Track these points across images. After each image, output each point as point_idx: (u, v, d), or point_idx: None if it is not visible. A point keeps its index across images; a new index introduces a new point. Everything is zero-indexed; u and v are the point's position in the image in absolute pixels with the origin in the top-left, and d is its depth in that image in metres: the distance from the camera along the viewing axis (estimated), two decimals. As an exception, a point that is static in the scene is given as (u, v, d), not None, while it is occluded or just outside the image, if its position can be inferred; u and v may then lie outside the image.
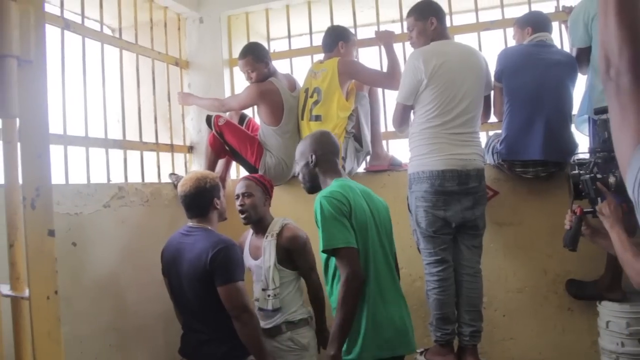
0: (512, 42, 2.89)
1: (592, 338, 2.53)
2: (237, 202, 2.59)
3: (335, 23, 3.18)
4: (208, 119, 3.04)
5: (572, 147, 2.59)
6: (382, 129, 3.10)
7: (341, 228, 1.89)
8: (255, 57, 2.99)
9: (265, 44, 3.32)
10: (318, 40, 3.17)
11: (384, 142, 3.11)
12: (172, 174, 3.16)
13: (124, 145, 2.92)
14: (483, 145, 2.65)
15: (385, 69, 2.95)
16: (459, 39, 2.97)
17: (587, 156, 2.14)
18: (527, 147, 2.56)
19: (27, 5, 0.81)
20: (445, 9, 2.79)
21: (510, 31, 2.87)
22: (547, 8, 2.95)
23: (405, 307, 2.07)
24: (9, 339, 0.85)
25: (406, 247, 2.71)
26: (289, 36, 3.38)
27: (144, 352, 2.72)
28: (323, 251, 1.94)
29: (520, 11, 2.89)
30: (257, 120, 3.22)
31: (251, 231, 2.71)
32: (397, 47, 3.02)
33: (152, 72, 3.21)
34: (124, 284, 2.65)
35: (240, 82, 3.40)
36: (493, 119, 2.82)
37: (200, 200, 2.37)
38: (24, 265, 0.83)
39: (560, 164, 2.60)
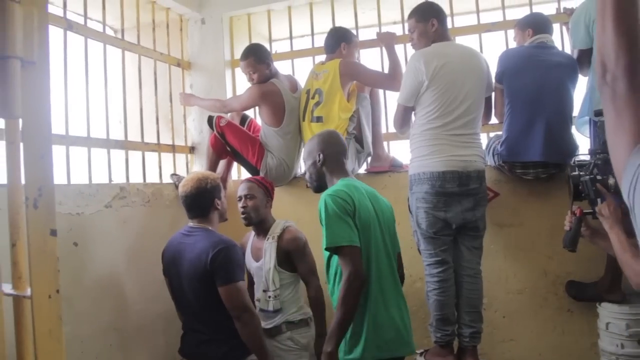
0: (513, 44, 2.89)
1: (592, 339, 2.53)
2: (240, 204, 2.62)
3: (336, 24, 3.19)
4: (209, 120, 3.05)
5: (572, 148, 2.59)
6: (383, 130, 3.10)
7: (345, 227, 1.89)
8: (256, 58, 3.00)
9: (266, 45, 3.33)
10: (319, 41, 3.18)
11: (385, 143, 3.11)
12: (174, 175, 3.17)
13: (126, 145, 2.93)
14: (484, 146, 2.65)
15: (386, 70, 2.96)
16: (460, 40, 2.97)
17: (587, 157, 2.15)
18: (528, 149, 2.56)
19: (30, 7, 0.82)
20: (447, 10, 2.80)
21: (512, 33, 2.87)
22: (548, 10, 2.94)
23: (405, 307, 2.08)
24: (10, 337, 0.85)
25: (407, 248, 2.70)
26: (291, 37, 3.39)
27: (145, 352, 2.73)
28: (326, 249, 1.93)
29: (522, 13, 2.90)
30: (259, 121, 3.22)
31: (253, 233, 2.72)
32: (399, 49, 3.02)
33: (154, 73, 3.22)
34: (125, 284, 2.65)
35: (241, 83, 3.40)
36: (494, 120, 2.82)
37: (201, 200, 2.38)
38: (26, 265, 0.83)
39: (560, 165, 2.60)
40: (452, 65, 2.45)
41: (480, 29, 3.05)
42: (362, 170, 3.06)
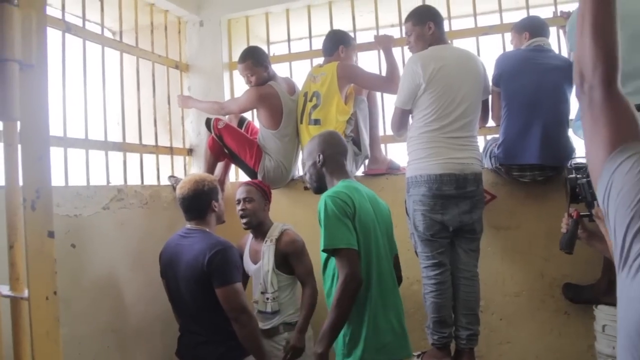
0: (510, 47, 2.90)
1: (589, 342, 2.53)
2: (238, 207, 2.63)
3: (334, 27, 3.20)
4: (207, 122, 3.06)
5: (569, 151, 2.60)
6: (381, 133, 3.11)
7: (343, 229, 1.88)
8: (254, 61, 3.00)
9: (265, 48, 3.34)
10: (318, 44, 3.18)
11: (382, 146, 3.12)
12: (171, 177, 3.18)
13: (124, 147, 2.93)
14: (481, 149, 2.66)
15: (384, 73, 2.97)
16: (457, 43, 2.98)
17: (583, 160, 2.15)
18: (525, 151, 2.57)
19: (29, 9, 0.82)
20: (444, 13, 2.81)
21: (509, 36, 2.89)
22: (545, 13, 2.96)
23: (402, 310, 2.08)
24: (8, 339, 0.85)
25: (404, 250, 2.70)
26: (289, 40, 3.39)
27: (142, 353, 2.73)
28: (323, 250, 1.92)
29: (519, 16, 2.91)
30: (257, 123, 3.23)
31: (251, 235, 2.73)
32: (396, 52, 3.03)
33: (152, 75, 3.22)
34: (123, 286, 2.65)
35: (239, 85, 3.41)
36: (491, 123, 2.83)
37: (198, 202, 2.39)
38: (23, 266, 0.83)
39: (557, 168, 2.61)
40: (449, 68, 2.45)
41: (478, 32, 3.06)
42: (359, 172, 3.07)
